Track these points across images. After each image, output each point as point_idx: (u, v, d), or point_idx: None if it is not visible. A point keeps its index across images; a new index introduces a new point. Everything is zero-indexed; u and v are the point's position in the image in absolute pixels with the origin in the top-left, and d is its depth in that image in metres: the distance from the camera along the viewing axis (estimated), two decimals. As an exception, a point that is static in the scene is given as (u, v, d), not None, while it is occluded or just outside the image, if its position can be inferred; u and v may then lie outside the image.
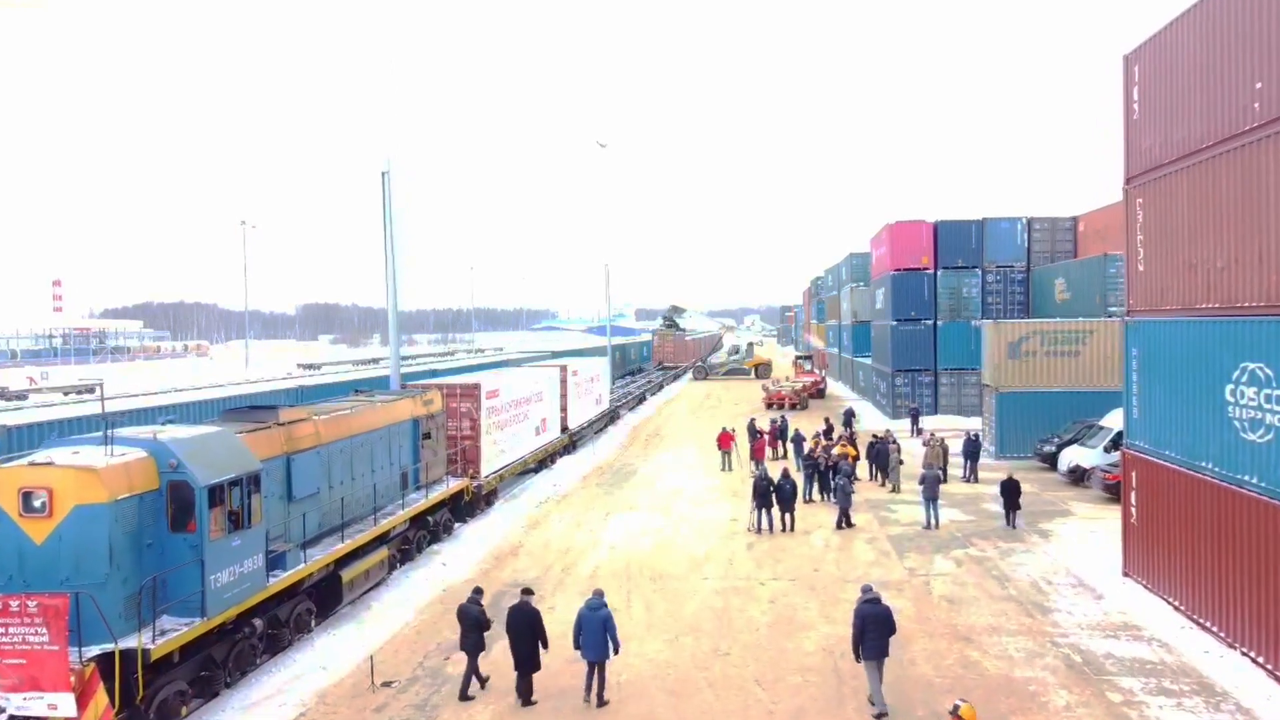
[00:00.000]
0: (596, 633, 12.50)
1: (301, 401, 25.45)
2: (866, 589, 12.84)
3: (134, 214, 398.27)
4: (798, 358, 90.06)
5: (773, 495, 22.77)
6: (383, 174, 28.00)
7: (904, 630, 15.54)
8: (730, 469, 32.49)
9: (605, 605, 12.79)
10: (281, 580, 14.12)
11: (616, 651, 12.78)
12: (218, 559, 12.36)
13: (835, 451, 27.18)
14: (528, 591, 13.32)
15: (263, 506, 13.59)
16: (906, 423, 42.93)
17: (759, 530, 22.74)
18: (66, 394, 74.12)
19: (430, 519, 21.08)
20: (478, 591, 13.79)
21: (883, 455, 28.52)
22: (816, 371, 74.56)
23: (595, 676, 12.72)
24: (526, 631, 12.67)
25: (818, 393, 58.82)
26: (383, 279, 27.79)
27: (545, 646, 12.79)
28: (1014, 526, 23.16)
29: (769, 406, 52.36)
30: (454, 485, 22.54)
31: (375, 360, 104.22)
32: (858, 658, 12.49)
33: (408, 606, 17.44)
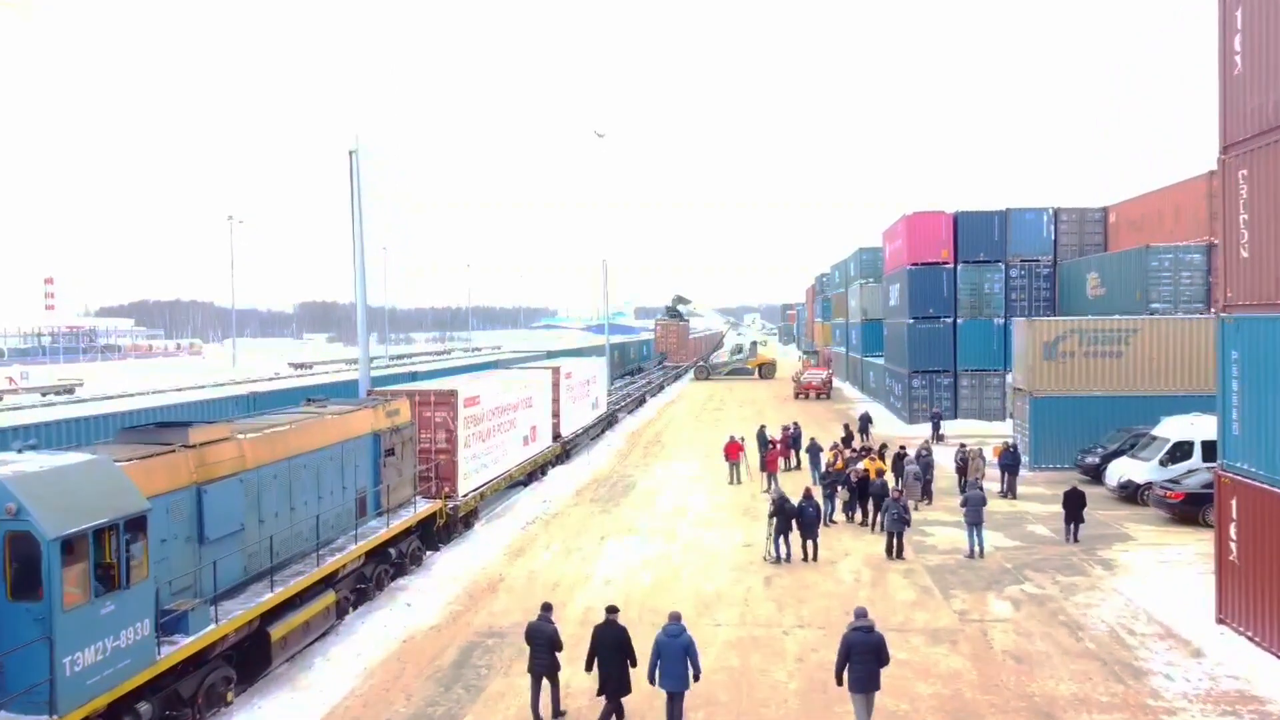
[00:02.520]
0: (677, 661, 11.32)
1: (254, 410, 22.38)
2: (860, 613, 11.68)
3: (132, 212, 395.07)
4: (805, 352, 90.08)
5: (789, 519, 19.82)
6: (350, 153, 25.00)
7: (969, 702, 12.53)
8: (739, 482, 29.42)
9: (685, 630, 11.56)
10: (180, 649, 11.03)
11: (697, 678, 11.62)
12: (76, 633, 9.29)
13: (861, 466, 24.05)
14: (613, 609, 12.14)
15: (151, 556, 10.52)
16: (926, 428, 39.99)
17: (777, 559, 19.72)
18: (45, 394, 71.24)
19: (393, 550, 17.99)
20: (547, 608, 12.70)
21: (924, 469, 25.46)
22: (823, 367, 73.25)
23: (673, 709, 11.55)
24: (617, 651, 11.62)
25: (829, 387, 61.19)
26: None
27: (634, 664, 11.68)
28: (1075, 541, 20.95)
29: (797, 396, 58.63)
30: (424, 509, 19.45)
31: (369, 359, 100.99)
32: (840, 682, 11.42)
33: (357, 664, 14.35)
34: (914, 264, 44.92)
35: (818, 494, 22.19)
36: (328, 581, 15.09)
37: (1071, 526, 21.28)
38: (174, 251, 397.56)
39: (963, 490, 25.98)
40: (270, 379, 53.10)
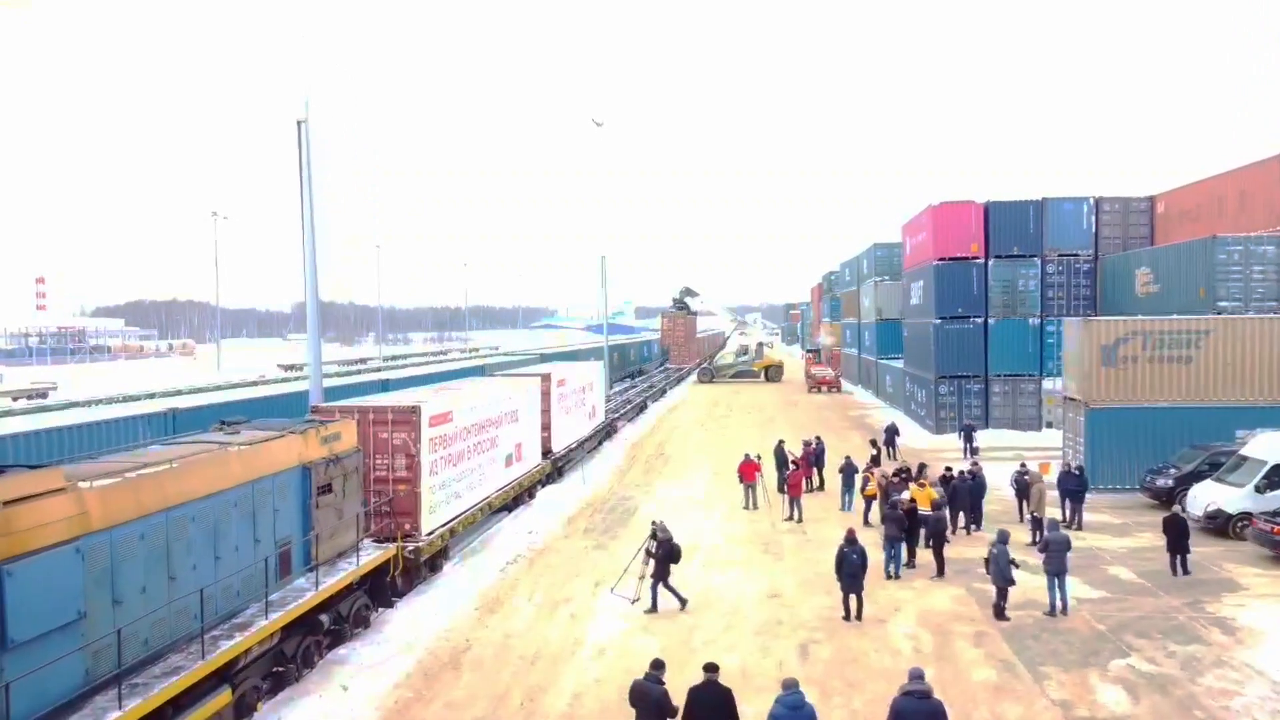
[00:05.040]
0: None
1: (171, 431, 18.55)
2: (915, 674, 9.82)
3: (131, 211, 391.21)
4: (809, 350, 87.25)
5: (676, 561, 17.13)
6: (298, 123, 21.18)
7: None
8: (754, 507, 25.57)
9: (806, 700, 9.50)
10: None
11: None
12: None
13: (907, 495, 20.12)
14: (712, 668, 10.32)
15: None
16: (954, 438, 36.22)
17: (653, 608, 16.70)
18: (16, 399, 67.57)
19: (325, 617, 14.11)
20: (657, 665, 10.66)
21: (975, 492, 21.73)
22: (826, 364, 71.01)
23: None
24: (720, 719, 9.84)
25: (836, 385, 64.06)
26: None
27: None
28: (1185, 573, 18.16)
29: (811, 390, 62.55)
30: (370, 559, 15.55)
31: (364, 360, 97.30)
32: None
33: (257, 793, 10.55)
34: (941, 259, 41.08)
35: (859, 523, 18.36)
36: (223, 674, 11.24)
37: (1177, 559, 18.33)
38: (172, 251, 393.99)
39: (1023, 519, 22.39)
40: (253, 383, 49.40)
